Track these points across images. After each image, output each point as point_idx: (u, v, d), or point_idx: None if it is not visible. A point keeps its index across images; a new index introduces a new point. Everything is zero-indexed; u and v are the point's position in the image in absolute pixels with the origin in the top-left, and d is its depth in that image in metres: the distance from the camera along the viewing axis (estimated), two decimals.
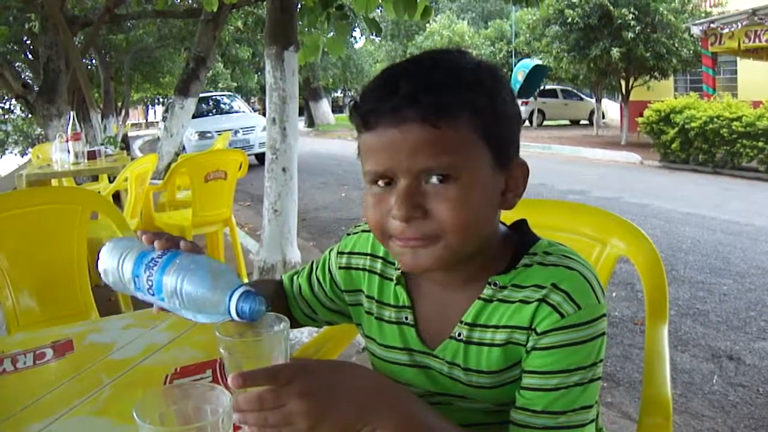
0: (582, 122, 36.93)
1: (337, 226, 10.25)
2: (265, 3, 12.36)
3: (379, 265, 1.56)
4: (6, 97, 22.54)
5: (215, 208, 6.33)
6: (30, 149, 25.09)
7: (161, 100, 35.72)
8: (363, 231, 1.64)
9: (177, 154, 11.96)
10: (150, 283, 1.28)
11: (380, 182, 1.27)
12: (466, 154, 1.22)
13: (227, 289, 1.21)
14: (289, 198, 6.11)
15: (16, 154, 27.36)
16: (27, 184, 6.64)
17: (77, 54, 13.23)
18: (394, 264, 1.52)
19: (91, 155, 7.30)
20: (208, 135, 17.87)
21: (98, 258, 1.40)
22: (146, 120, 41.48)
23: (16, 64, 17.41)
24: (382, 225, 1.29)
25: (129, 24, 17.70)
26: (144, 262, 1.30)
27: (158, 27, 18.50)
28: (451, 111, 1.19)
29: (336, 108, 54.28)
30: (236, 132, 17.40)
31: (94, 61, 20.30)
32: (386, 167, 1.24)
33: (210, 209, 6.29)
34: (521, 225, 1.43)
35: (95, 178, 8.80)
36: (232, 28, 17.75)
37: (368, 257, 1.59)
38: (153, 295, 1.29)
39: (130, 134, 26.15)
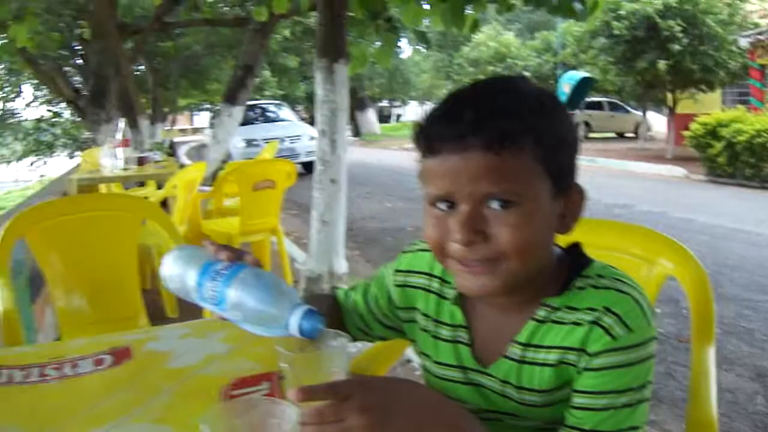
0: (627, 135, 36.62)
1: (383, 236, 10.26)
2: (312, 13, 12.46)
3: (436, 285, 1.59)
4: (55, 101, 22.76)
5: (263, 216, 6.38)
6: (77, 152, 25.35)
7: (207, 106, 35.88)
8: (420, 250, 1.67)
9: (224, 162, 12.02)
10: (214, 293, 1.32)
11: (441, 205, 1.30)
12: (528, 180, 1.25)
13: (289, 306, 1.24)
14: (337, 209, 6.14)
15: (64, 157, 27.65)
16: (78, 189, 6.74)
17: (127, 61, 13.36)
18: (450, 283, 1.55)
19: (140, 161, 7.39)
20: (255, 143, 17.91)
21: (162, 263, 1.44)
22: (192, 126, 41.72)
23: (67, 70, 17.57)
24: (442, 246, 1.33)
25: (177, 31, 17.81)
26: (209, 273, 1.34)
27: (206, 35, 18.61)
28: (513, 139, 1.22)
29: (382, 118, 54.19)
30: (282, 140, 17.41)
31: (143, 67, 20.45)
32: (448, 192, 1.27)
33: (257, 218, 6.34)
34: (575, 247, 1.45)
35: (141, 183, 8.88)
36: (279, 37, 17.83)
37: (425, 276, 1.62)
38: (216, 305, 1.33)
39: (176, 140, 26.29)
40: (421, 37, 7.42)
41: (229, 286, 1.30)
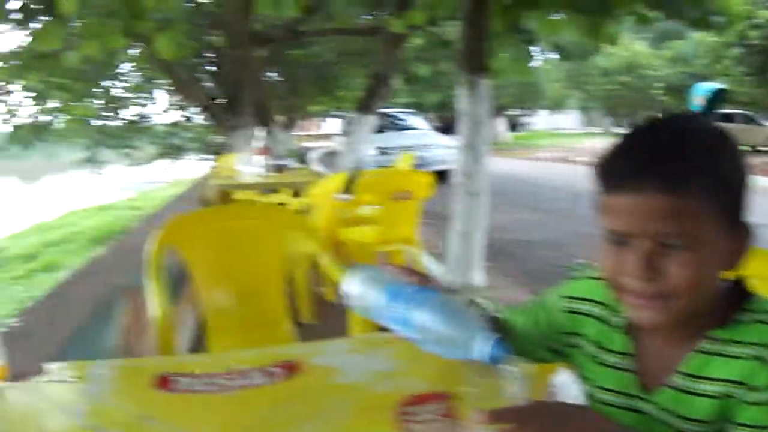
0: (760, 149, 35.69)
1: (514, 248, 10.17)
2: (446, 23, 12.49)
3: (604, 312, 1.62)
4: (188, 107, 23.25)
5: (399, 227, 6.41)
6: (207, 156, 25.85)
7: (336, 113, 36.23)
8: (588, 277, 1.69)
9: (356, 170, 12.11)
10: (400, 314, 1.36)
11: (617, 240, 1.34)
12: (702, 221, 1.27)
13: (475, 332, 1.27)
14: (477, 221, 6.16)
15: (193, 160, 28.26)
16: (218, 193, 6.92)
17: (260, 69, 13.58)
18: (618, 312, 1.58)
19: (278, 168, 7.50)
20: (387, 151, 17.98)
21: (345, 281, 1.49)
22: (320, 132, 42.18)
23: (200, 76, 17.94)
24: (616, 279, 1.37)
25: (309, 40, 17.99)
26: (396, 294, 1.38)
27: (337, 43, 18.75)
28: (688, 180, 1.25)
29: (513, 126, 53.90)
30: (414, 149, 17.45)
31: (274, 75, 20.72)
32: (624, 229, 1.31)
33: (394, 228, 6.38)
34: (739, 280, 1.45)
35: (274, 190, 9.00)
36: (412, 45, 17.89)
37: (594, 304, 1.65)
38: (401, 325, 1.37)
39: (305, 146, 26.51)
40: (560, 50, 7.40)
41: (418, 309, 1.34)
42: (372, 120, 13.04)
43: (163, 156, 26.74)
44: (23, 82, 15.40)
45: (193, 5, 14.11)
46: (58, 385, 1.87)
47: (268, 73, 18.44)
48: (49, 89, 14.94)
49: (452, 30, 15.17)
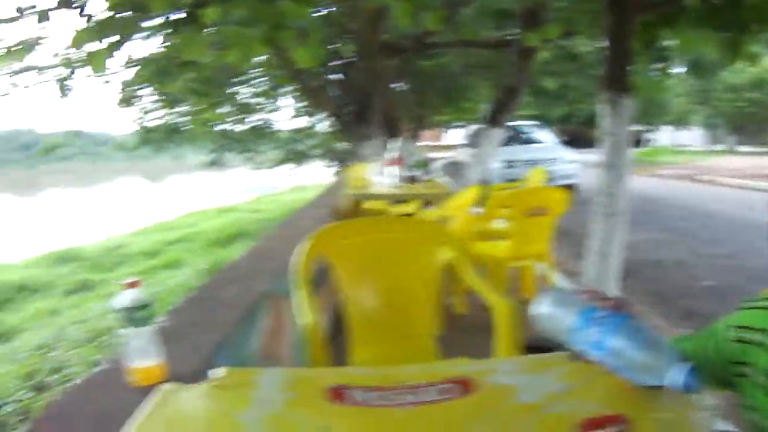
0: None
1: (643, 269, 10.02)
2: (572, 36, 12.42)
3: None
4: (313, 114, 23.50)
5: (533, 242, 6.38)
6: (331, 163, 26.12)
7: (458, 124, 36.23)
8: (761, 307, 1.66)
9: (485, 183, 12.08)
10: (593, 338, 1.35)
11: None
12: None
13: (668, 360, 1.26)
14: (615, 242, 6.10)
15: (315, 166, 28.64)
16: (352, 203, 6.98)
17: (389, 79, 13.65)
18: None
19: (410, 179, 7.52)
20: (513, 164, 17.94)
21: (536, 302, 1.49)
22: (441, 143, 42.25)
23: (327, 85, 18.10)
24: None
25: (437, 51, 18.01)
26: (589, 318, 1.38)
27: (464, 55, 18.73)
28: None
29: (636, 143, 53.12)
30: (540, 163, 17.33)
31: (402, 85, 20.81)
32: None
33: (528, 243, 6.35)
34: None
35: (402, 200, 9.02)
36: (538, 58, 17.80)
37: (765, 333, 1.61)
38: (594, 349, 1.36)
39: (428, 156, 26.62)
40: (692, 66, 7.29)
41: (612, 334, 1.34)
42: (500, 132, 13.01)
43: (286, 161, 27.12)
44: (157, 87, 15.73)
45: (323, 15, 14.28)
46: (227, 390, 1.90)
47: (397, 84, 18.53)
48: (185, 94, 15.23)
49: (581, 43, 15.09)
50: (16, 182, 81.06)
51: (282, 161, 27.19)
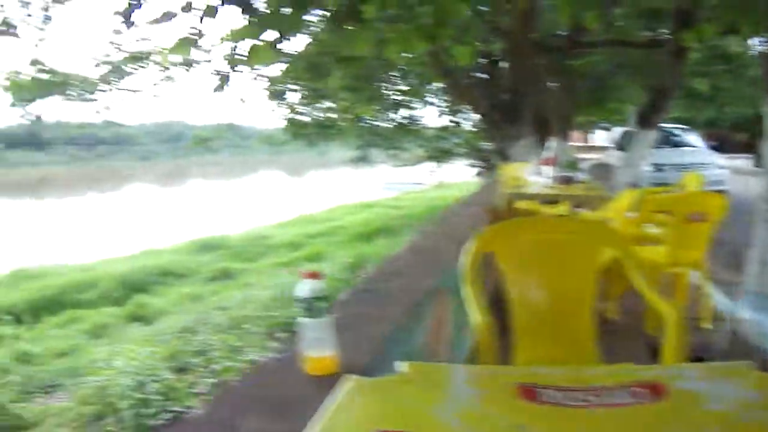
0: None
1: None
2: (726, 36, 12.13)
3: None
4: (459, 112, 23.48)
5: (689, 249, 6.24)
6: (475, 162, 26.06)
7: (603, 125, 35.76)
8: None
9: (635, 186, 11.88)
10: None
11: None
12: None
13: None
14: None
15: (459, 164, 28.64)
16: (506, 202, 6.97)
17: (541, 78, 13.55)
18: None
19: (565, 180, 7.44)
20: (662, 168, 17.57)
21: (740, 305, 1.49)
22: (587, 143, 41.72)
23: (475, 83, 18.03)
24: None
25: (587, 50, 17.79)
26: None
27: (614, 55, 18.43)
28: None
29: None
30: (689, 167, 16.93)
31: (552, 84, 20.62)
32: None
33: (684, 250, 6.22)
34: None
35: (553, 201, 8.94)
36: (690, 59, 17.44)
37: None
38: None
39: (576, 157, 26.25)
40: None
41: None
42: (652, 135, 12.80)
43: (430, 159, 27.12)
44: (307, 83, 15.94)
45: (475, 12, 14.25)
46: (416, 384, 1.92)
47: (547, 83, 18.40)
48: (336, 90, 15.40)
49: (734, 43, 14.73)
50: (165, 173, 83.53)
51: (426, 159, 27.20)
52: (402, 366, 1.96)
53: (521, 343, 3.48)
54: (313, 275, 2.52)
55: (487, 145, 21.54)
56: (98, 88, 14.76)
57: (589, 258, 3.62)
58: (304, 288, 2.49)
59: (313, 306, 2.49)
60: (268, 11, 5.80)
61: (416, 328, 3.33)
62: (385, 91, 19.37)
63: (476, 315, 3.10)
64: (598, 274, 3.62)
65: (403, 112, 23.05)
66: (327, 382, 2.17)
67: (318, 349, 2.52)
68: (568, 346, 3.54)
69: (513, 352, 3.45)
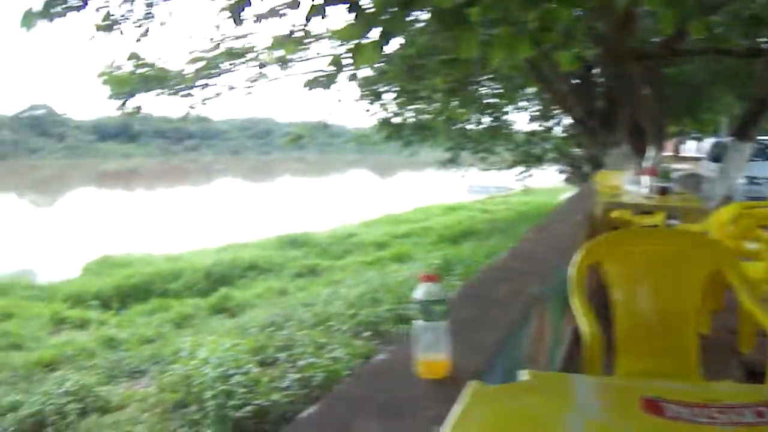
0: None
1: None
2: None
3: None
4: (549, 117, 23.34)
5: None
6: (564, 168, 25.85)
7: (695, 135, 35.28)
8: None
9: (729, 198, 11.72)
10: None
11: None
12: None
13: None
14: None
15: (548, 170, 28.46)
16: (603, 211, 6.91)
17: (637, 86, 13.40)
18: None
19: (662, 190, 7.34)
20: (757, 181, 17.24)
21: None
22: (677, 153, 41.14)
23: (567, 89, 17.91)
24: None
25: (683, 58, 17.55)
26: None
27: (710, 63, 18.16)
28: None
29: None
30: None
31: (648, 93, 20.39)
32: None
33: None
34: None
35: (647, 211, 8.83)
36: None
37: None
38: None
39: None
40: None
41: None
42: (748, 148, 12.59)
43: (519, 164, 26.92)
44: (403, 84, 15.96)
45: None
46: (541, 393, 1.93)
47: (644, 91, 18.22)
48: (433, 91, 15.40)
49: None
50: (253, 168, 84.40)
51: (516, 163, 27.00)
52: (523, 374, 1.98)
53: (623, 353, 3.47)
54: (431, 278, 2.54)
55: (577, 151, 21.34)
56: (195, 83, 14.96)
57: (696, 271, 3.60)
58: (422, 291, 2.51)
59: (429, 309, 2.50)
60: (374, 10, 5.82)
61: (522, 335, 3.34)
62: (479, 94, 19.30)
63: (587, 326, 3.10)
64: (699, 289, 3.60)
65: (495, 116, 22.93)
66: (441, 386, 2.20)
67: (432, 352, 2.53)
68: (672, 360, 3.52)
69: (614, 362, 3.45)
